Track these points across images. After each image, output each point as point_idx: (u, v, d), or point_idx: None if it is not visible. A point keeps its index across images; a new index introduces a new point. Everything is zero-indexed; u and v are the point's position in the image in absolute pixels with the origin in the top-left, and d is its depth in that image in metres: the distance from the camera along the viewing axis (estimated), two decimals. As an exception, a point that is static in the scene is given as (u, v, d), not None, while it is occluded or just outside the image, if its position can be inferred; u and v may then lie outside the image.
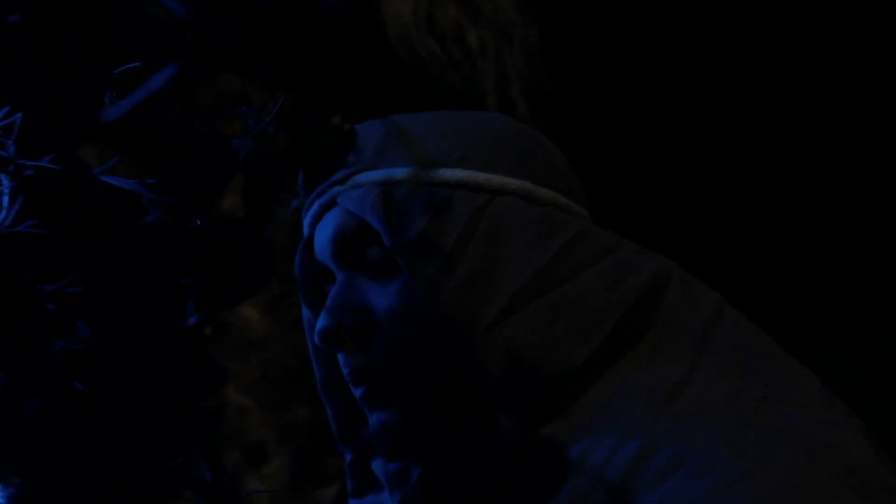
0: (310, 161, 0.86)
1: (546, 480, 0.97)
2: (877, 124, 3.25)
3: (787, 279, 3.28)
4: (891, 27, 3.15)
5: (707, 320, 1.01)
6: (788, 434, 0.91)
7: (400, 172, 1.04)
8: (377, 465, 1.12)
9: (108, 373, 0.80)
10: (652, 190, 3.21)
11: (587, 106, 3.10)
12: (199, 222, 0.79)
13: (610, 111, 3.18)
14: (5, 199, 0.83)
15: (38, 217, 0.81)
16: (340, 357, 1.08)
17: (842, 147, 3.27)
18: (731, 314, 1.03)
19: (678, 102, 3.22)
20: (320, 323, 1.06)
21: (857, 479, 0.88)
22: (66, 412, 0.80)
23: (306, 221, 1.12)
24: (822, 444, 0.90)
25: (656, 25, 3.16)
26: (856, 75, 3.21)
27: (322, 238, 1.09)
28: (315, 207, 1.09)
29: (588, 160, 1.17)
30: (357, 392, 1.07)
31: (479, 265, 1.01)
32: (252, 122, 0.79)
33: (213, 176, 0.80)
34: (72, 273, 0.80)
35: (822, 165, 3.27)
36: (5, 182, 0.83)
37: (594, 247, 1.04)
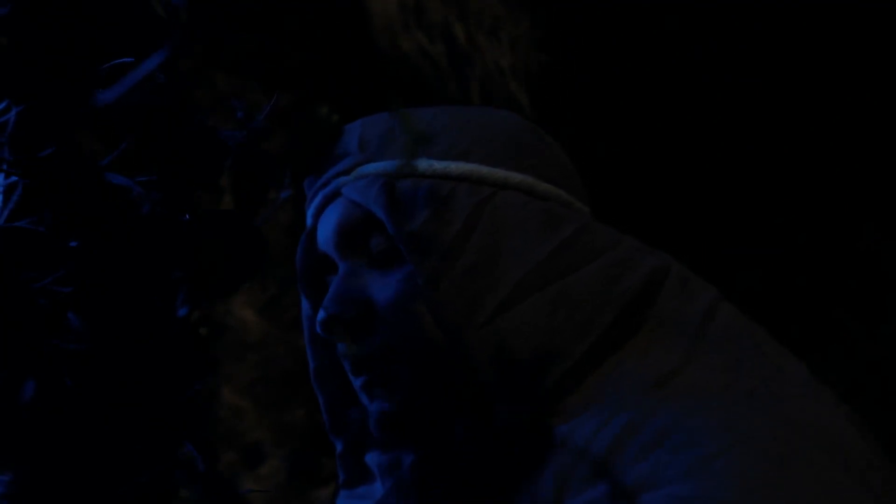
0: (298, 153, 0.87)
1: (530, 458, 0.97)
2: (877, 127, 3.26)
3: (784, 286, 3.28)
4: (891, 27, 3.15)
5: (703, 316, 1.02)
6: (775, 414, 0.91)
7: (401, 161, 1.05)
8: (372, 457, 1.12)
9: (100, 365, 0.80)
10: (648, 194, 3.21)
11: (581, 108, 3.11)
12: (188, 216, 0.79)
13: (604, 113, 3.19)
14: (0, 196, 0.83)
15: (30, 212, 0.81)
16: (340, 347, 1.08)
17: (842, 150, 3.27)
18: (727, 309, 1.04)
19: (677, 104, 3.22)
20: (322, 312, 1.06)
21: (844, 457, 0.89)
22: (59, 405, 0.80)
23: (310, 212, 1.12)
24: (809, 424, 0.91)
25: (657, 26, 3.16)
26: (855, 76, 3.21)
27: (326, 228, 1.09)
28: (319, 198, 1.10)
29: (582, 162, 1.18)
30: (357, 382, 1.07)
31: (481, 257, 1.01)
32: (241, 114, 0.79)
33: (204, 169, 0.80)
34: (63, 267, 0.80)
35: (822, 169, 3.27)
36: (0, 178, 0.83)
37: (595, 242, 1.04)
